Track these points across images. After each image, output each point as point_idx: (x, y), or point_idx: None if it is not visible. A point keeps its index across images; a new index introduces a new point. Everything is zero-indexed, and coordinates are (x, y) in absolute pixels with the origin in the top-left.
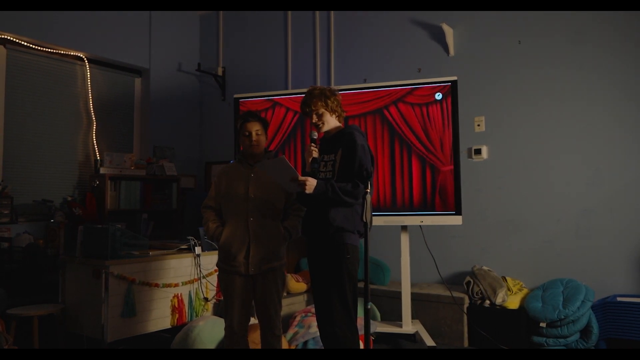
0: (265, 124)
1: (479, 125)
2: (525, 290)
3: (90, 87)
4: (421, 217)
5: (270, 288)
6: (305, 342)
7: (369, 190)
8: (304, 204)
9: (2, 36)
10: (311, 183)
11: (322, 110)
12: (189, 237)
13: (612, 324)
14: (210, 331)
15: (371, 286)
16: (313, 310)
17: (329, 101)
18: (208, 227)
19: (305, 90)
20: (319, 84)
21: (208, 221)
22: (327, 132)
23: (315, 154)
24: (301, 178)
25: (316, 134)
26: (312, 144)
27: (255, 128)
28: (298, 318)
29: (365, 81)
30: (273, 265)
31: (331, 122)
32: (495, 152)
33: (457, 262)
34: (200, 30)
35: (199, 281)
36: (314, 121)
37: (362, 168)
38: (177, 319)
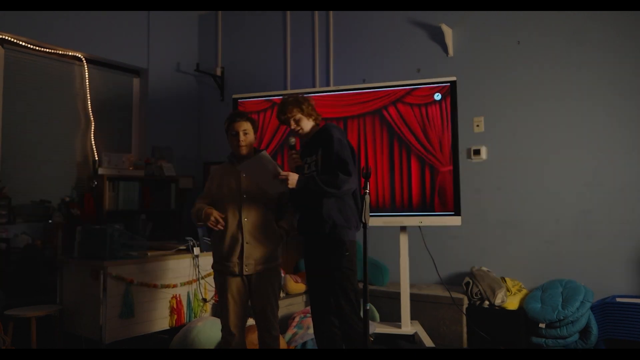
0: (253, 123)
1: (478, 125)
2: (524, 291)
3: (89, 87)
4: (420, 218)
5: (266, 288)
6: (304, 343)
7: (367, 191)
8: (296, 203)
9: (0, 36)
10: (293, 177)
11: (298, 115)
12: (188, 238)
13: (611, 325)
14: (208, 332)
15: (370, 287)
16: None
17: (303, 106)
18: (195, 208)
19: (304, 90)
20: (317, 85)
21: (195, 206)
22: (306, 135)
23: (298, 162)
24: (283, 173)
25: (294, 140)
26: (293, 151)
27: (242, 128)
28: (297, 319)
29: (364, 81)
30: (268, 266)
31: (308, 125)
32: (495, 152)
33: (456, 262)
34: (199, 31)
35: (198, 282)
36: (292, 127)
37: (340, 159)
38: (176, 320)
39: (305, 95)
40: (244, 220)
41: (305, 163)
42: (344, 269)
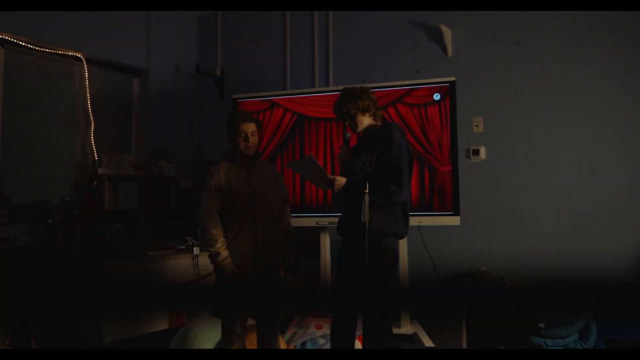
0: (259, 125)
1: (477, 125)
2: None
3: (88, 87)
4: (419, 218)
5: (271, 287)
6: (304, 343)
7: (366, 191)
8: (340, 204)
9: (0, 36)
10: (340, 182)
11: (353, 111)
12: (188, 238)
13: (611, 325)
14: (208, 332)
15: None
16: None
17: (359, 101)
18: (218, 252)
19: (303, 90)
20: (317, 85)
21: (217, 240)
22: (364, 131)
23: (347, 158)
24: (330, 177)
25: (349, 135)
26: (345, 146)
27: (251, 129)
28: (296, 319)
29: (363, 82)
30: (274, 264)
31: (365, 121)
32: (494, 152)
33: (455, 262)
34: (199, 31)
35: (197, 282)
36: (346, 123)
37: (396, 167)
38: (175, 320)
39: (365, 88)
40: (258, 220)
41: (360, 161)
42: (381, 276)
